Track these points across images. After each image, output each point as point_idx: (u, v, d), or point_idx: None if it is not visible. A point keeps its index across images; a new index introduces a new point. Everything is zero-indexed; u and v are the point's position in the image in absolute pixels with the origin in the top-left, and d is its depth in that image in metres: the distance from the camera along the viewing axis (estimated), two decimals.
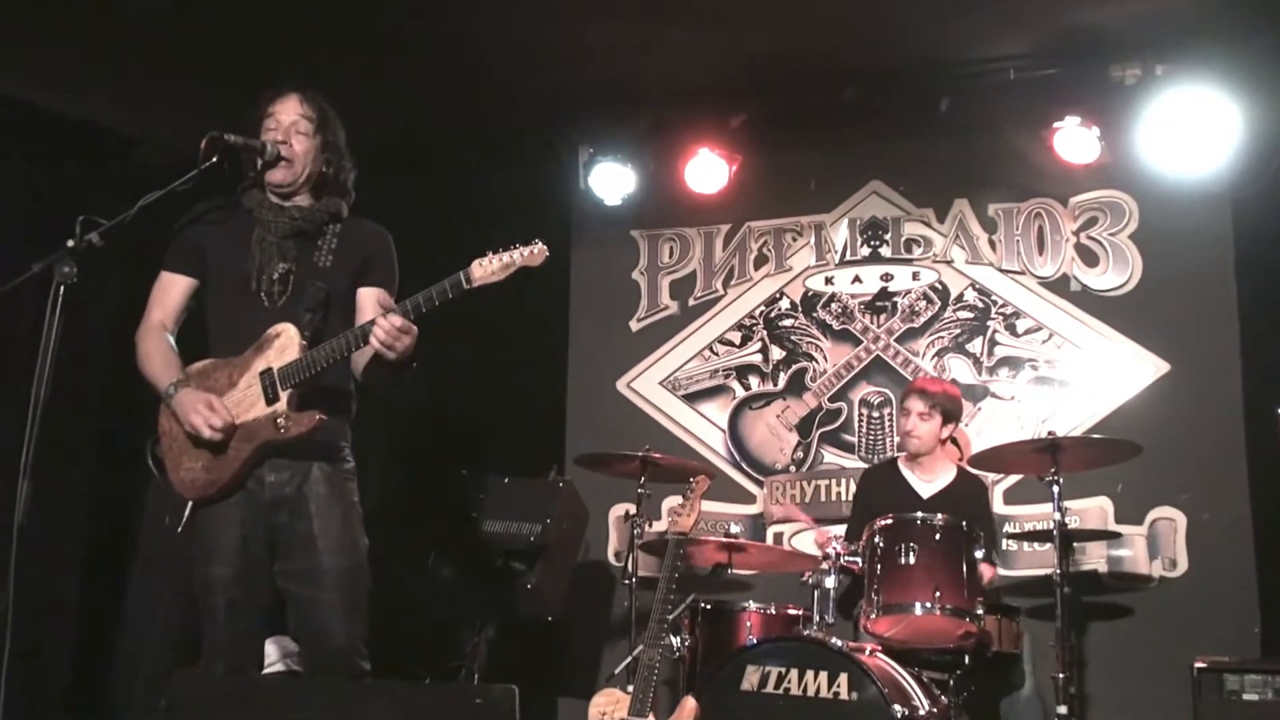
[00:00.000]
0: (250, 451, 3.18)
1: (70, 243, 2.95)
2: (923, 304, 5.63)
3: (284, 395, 3.16)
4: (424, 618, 5.15)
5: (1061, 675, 4.20)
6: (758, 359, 5.84)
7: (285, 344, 3.19)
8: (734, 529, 4.93)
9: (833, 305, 5.76)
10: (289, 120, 3.32)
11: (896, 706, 3.74)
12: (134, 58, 5.24)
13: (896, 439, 5.34)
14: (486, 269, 3.06)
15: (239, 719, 2.89)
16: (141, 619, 5.21)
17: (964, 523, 4.29)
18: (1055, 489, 4.30)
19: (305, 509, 3.23)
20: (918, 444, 4.86)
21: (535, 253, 3.08)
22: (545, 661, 5.55)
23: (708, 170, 5.74)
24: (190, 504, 3.22)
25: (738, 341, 5.89)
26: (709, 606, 4.55)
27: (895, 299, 5.68)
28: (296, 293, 3.27)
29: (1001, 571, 5.06)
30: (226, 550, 3.21)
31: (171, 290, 3.36)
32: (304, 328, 3.21)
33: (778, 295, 5.85)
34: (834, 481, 5.59)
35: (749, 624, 4.45)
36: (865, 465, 5.49)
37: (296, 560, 3.23)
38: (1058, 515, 4.29)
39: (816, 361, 5.74)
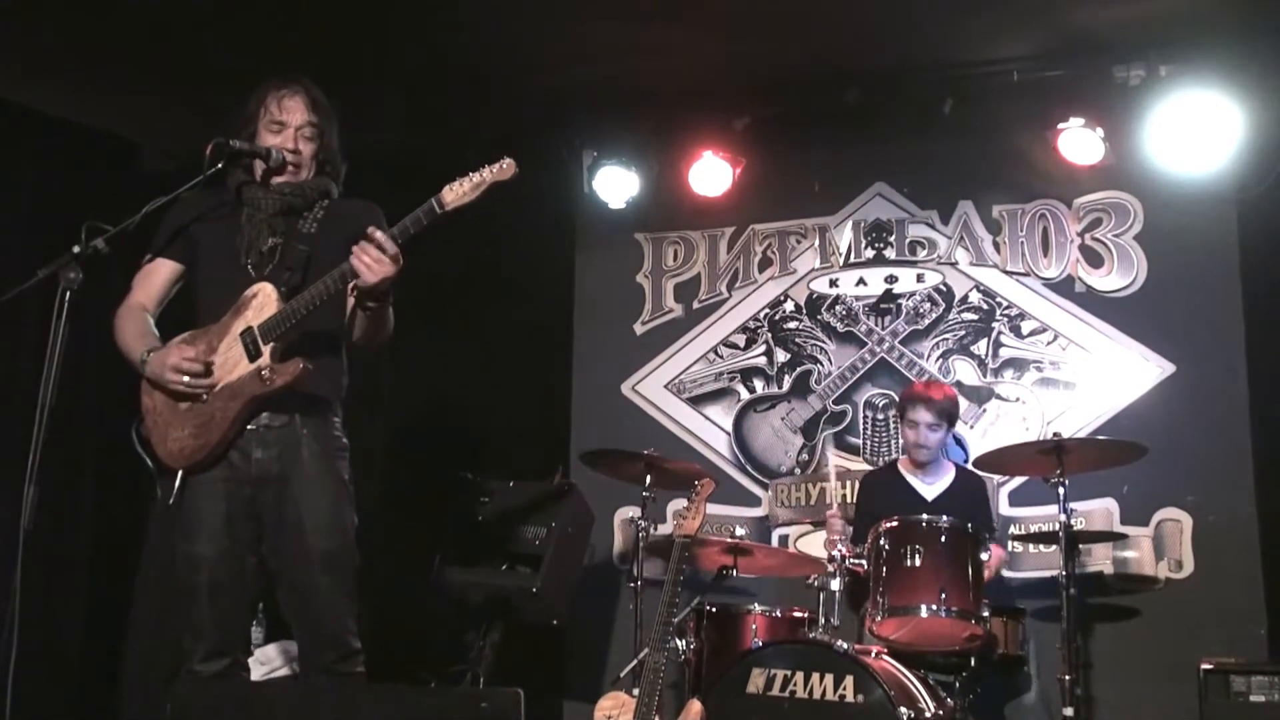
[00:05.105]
0: (238, 409, 3.14)
1: (75, 248, 2.96)
2: (927, 306, 5.63)
3: (266, 350, 3.14)
4: (428, 621, 5.16)
5: (1067, 677, 4.21)
6: (762, 362, 5.84)
7: (263, 302, 3.18)
8: (739, 532, 4.93)
9: (837, 307, 5.76)
10: (297, 123, 3.31)
11: (903, 709, 3.74)
12: (137, 63, 5.26)
13: (900, 441, 5.32)
14: (458, 191, 3.04)
15: None
16: (148, 621, 5.21)
17: (969, 524, 4.30)
18: (1061, 491, 4.30)
19: (291, 491, 3.18)
20: (928, 454, 4.84)
21: (504, 167, 3.07)
22: (550, 665, 5.55)
23: (712, 173, 5.73)
24: (180, 475, 3.17)
25: (742, 344, 5.89)
26: (714, 609, 4.55)
27: (900, 301, 5.67)
28: (282, 261, 3.25)
29: (1006, 573, 5.06)
30: (210, 527, 3.17)
31: (156, 274, 3.35)
32: (280, 284, 3.19)
33: (782, 298, 5.85)
34: (839, 484, 5.57)
35: (754, 627, 4.46)
36: (871, 468, 5.49)
37: (283, 542, 3.19)
38: (1063, 517, 4.29)
39: (821, 364, 5.74)
